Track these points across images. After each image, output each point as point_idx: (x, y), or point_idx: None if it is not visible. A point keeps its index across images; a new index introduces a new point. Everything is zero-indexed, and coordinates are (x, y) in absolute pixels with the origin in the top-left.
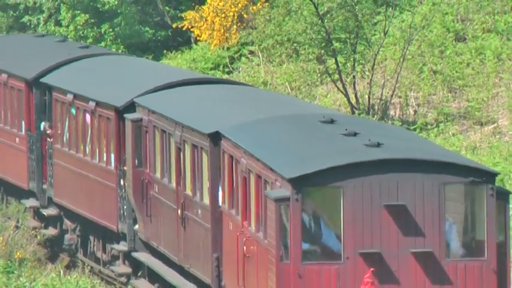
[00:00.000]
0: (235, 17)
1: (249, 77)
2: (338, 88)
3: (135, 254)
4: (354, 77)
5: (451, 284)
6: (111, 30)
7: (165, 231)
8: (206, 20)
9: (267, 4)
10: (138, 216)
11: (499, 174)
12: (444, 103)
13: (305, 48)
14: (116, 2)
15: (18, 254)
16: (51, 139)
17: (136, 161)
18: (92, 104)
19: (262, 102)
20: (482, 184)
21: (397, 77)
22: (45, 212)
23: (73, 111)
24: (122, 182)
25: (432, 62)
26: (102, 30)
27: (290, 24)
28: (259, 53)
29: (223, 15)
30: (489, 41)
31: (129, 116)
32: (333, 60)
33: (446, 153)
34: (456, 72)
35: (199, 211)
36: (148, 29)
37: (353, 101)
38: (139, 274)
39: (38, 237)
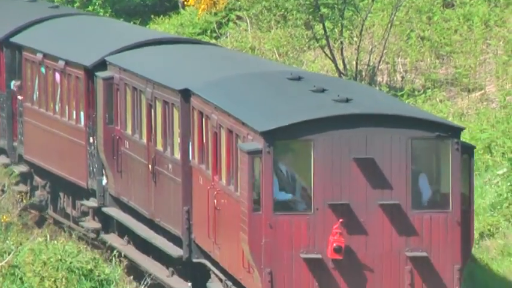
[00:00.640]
0: None
1: (237, 42)
2: (325, 54)
3: (105, 209)
4: (341, 42)
5: (417, 235)
6: None
7: (136, 186)
8: None
9: None
10: (108, 173)
11: (464, 129)
12: (432, 69)
13: (293, 14)
14: None
15: (4, 218)
16: (22, 97)
17: (107, 118)
18: (61, 63)
19: (230, 61)
20: (448, 139)
21: (385, 43)
22: (16, 169)
23: (43, 70)
24: (91, 140)
25: (420, 28)
26: None
27: None
28: (247, 19)
29: None
30: (477, 7)
31: (100, 75)
32: (321, 26)
33: (413, 110)
34: (444, 38)
35: (170, 166)
36: None
37: (340, 66)
38: (109, 229)
39: (25, 201)
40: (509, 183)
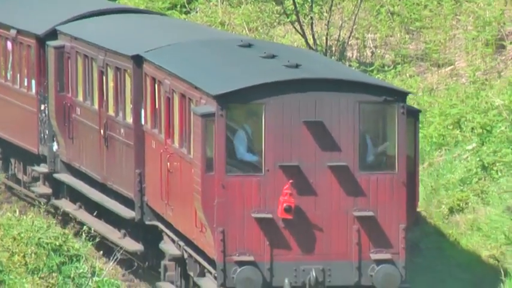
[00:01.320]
0: None
1: (207, 17)
2: (296, 29)
3: (56, 175)
4: (311, 18)
5: (364, 195)
6: None
7: (88, 151)
8: None
9: None
10: (59, 139)
11: (409, 93)
12: (401, 45)
13: None
14: None
15: None
16: None
17: (58, 86)
18: (13, 32)
19: (181, 29)
20: (394, 103)
21: (355, 19)
22: None
23: None
24: (42, 107)
25: (390, 4)
26: None
27: None
28: None
29: None
30: None
31: (51, 43)
32: (291, 1)
33: (361, 75)
34: (414, 14)
35: (122, 130)
36: None
37: (310, 42)
38: (60, 195)
39: None
40: (478, 159)
